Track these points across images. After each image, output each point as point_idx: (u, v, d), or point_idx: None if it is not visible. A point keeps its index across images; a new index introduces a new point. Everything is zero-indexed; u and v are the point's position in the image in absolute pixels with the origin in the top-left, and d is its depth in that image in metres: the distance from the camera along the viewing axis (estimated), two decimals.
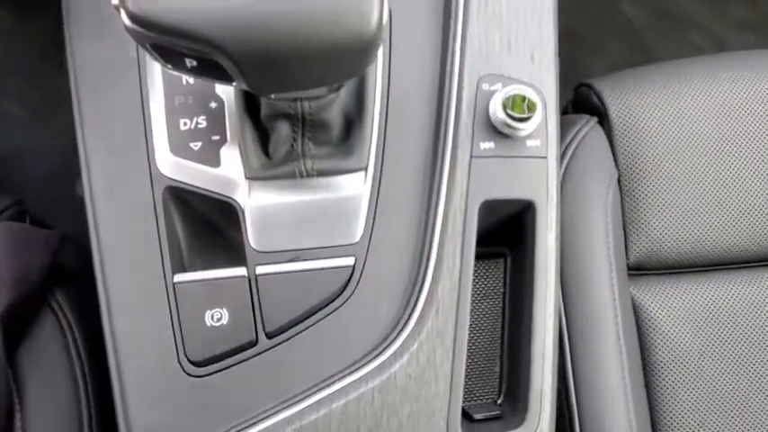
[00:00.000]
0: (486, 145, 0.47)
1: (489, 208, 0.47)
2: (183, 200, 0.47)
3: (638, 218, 0.68)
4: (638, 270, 0.69)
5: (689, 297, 0.68)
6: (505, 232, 0.50)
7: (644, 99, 0.70)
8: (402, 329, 0.45)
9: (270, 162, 0.47)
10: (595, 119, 0.71)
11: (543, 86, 0.49)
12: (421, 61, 0.50)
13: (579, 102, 0.76)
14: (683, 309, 0.67)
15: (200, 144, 0.47)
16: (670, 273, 0.69)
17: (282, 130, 0.46)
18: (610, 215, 0.65)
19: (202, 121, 0.47)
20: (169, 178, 0.46)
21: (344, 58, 0.35)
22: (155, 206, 0.46)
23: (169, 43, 0.34)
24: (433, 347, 0.44)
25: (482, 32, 0.49)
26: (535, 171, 0.47)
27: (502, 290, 0.52)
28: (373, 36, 0.34)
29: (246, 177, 0.46)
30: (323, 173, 0.47)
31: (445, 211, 0.46)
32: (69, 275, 0.62)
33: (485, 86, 0.48)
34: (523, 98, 0.46)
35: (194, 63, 0.36)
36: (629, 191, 0.68)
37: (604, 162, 0.69)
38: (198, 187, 0.46)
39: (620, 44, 1.34)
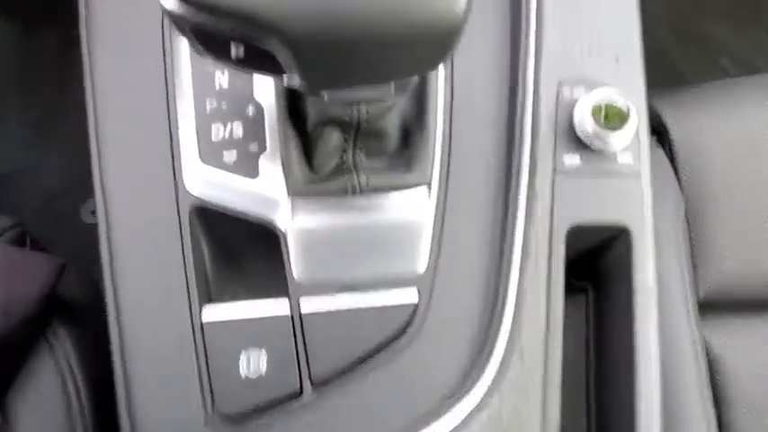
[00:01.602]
0: (572, 160, 0.40)
1: (574, 234, 0.40)
2: (213, 220, 0.40)
3: (708, 249, 0.62)
4: (709, 308, 0.62)
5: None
6: (588, 262, 0.43)
7: (708, 119, 0.65)
8: (477, 380, 0.37)
9: (316, 176, 0.40)
10: (654, 138, 0.65)
11: (631, 93, 0.42)
12: (488, 63, 0.44)
13: None
14: (763, 355, 0.59)
15: (234, 154, 0.40)
16: (743, 311, 0.62)
17: (332, 139, 0.39)
18: (682, 245, 0.58)
19: (238, 129, 0.40)
20: (197, 197, 0.39)
21: (424, 46, 0.30)
22: (180, 228, 0.39)
23: (215, 27, 0.28)
24: (517, 404, 0.37)
25: (559, 33, 0.43)
26: (629, 191, 0.41)
27: (584, 330, 0.45)
28: (460, 19, 0.28)
29: (289, 194, 0.40)
30: (379, 189, 0.40)
31: (525, 236, 0.39)
32: (71, 306, 0.55)
33: (566, 92, 0.42)
34: (614, 106, 0.40)
35: (241, 51, 0.30)
36: (696, 219, 0.62)
37: (669, 187, 0.63)
38: (231, 209, 0.39)
39: (648, 68, 1.30)
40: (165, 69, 0.42)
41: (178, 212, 0.39)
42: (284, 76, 0.32)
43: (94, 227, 0.42)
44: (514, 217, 0.39)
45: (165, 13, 0.28)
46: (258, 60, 0.31)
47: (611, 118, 0.40)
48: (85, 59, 0.42)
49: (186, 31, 0.29)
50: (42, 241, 0.66)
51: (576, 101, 0.41)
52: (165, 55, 0.42)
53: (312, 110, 0.39)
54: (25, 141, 1.11)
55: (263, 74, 0.34)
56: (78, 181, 0.57)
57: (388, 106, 0.38)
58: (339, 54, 0.29)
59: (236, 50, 0.30)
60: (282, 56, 0.29)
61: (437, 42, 0.30)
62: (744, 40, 1.32)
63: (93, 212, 0.43)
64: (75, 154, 0.44)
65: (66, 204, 1.01)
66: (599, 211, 0.40)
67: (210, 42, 0.30)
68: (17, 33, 1.15)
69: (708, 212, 0.62)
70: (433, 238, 0.40)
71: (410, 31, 0.28)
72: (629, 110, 0.40)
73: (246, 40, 0.29)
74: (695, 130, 0.64)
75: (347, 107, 0.37)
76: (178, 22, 0.29)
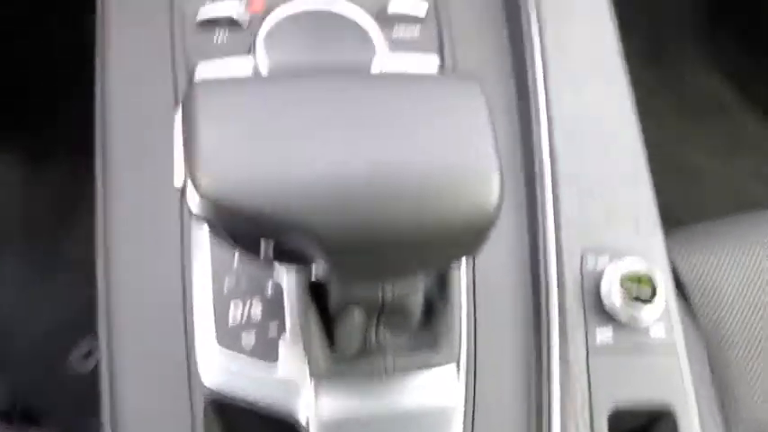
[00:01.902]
0: (603, 336, 0.39)
1: (615, 418, 0.38)
2: (230, 414, 0.37)
3: (736, 399, 0.59)
4: None
5: None
6: None
7: (720, 259, 0.64)
8: None
9: (339, 357, 0.38)
10: None
11: (655, 257, 0.42)
12: (508, 234, 0.43)
13: None
14: None
15: (253, 336, 0.38)
16: None
17: (355, 317, 0.38)
18: (712, 394, 0.55)
19: (257, 309, 0.39)
20: (211, 389, 0.37)
21: (457, 243, 0.30)
22: (192, 425, 0.36)
23: (243, 228, 0.28)
24: None
25: (575, 202, 0.43)
26: (667, 368, 0.39)
27: None
28: (492, 215, 0.29)
29: (312, 378, 0.37)
30: (406, 369, 0.38)
31: (564, 423, 0.36)
32: None
33: (590, 262, 0.41)
34: (642, 277, 0.39)
35: (271, 249, 0.30)
36: (719, 366, 0.60)
37: (689, 333, 0.61)
38: (249, 400, 0.36)
39: None
40: (183, 246, 0.41)
41: (191, 407, 0.36)
42: (312, 266, 0.31)
43: (86, 377, 0.40)
44: (550, 401, 0.37)
45: (196, 215, 0.28)
46: (286, 255, 0.30)
47: (638, 290, 0.39)
48: (99, 231, 0.42)
49: (216, 228, 0.29)
50: (34, 392, 0.62)
51: (601, 271, 0.41)
52: (182, 232, 0.41)
53: (334, 290, 0.38)
54: (20, 286, 1.08)
55: (290, 266, 0.33)
56: (68, 329, 0.55)
57: (414, 289, 0.37)
58: (370, 253, 0.29)
59: (265, 247, 0.30)
60: (311, 251, 0.29)
61: (469, 240, 0.29)
62: (730, 166, 1.35)
63: (85, 356, 0.41)
64: (68, 300, 0.42)
65: (58, 351, 0.97)
66: (639, 392, 0.38)
67: (239, 240, 0.30)
68: (21, 173, 1.15)
69: (730, 359, 0.59)
70: (464, 426, 0.37)
71: (444, 231, 0.28)
72: (657, 281, 0.39)
73: (276, 239, 0.29)
74: (708, 271, 0.63)
75: (372, 288, 0.36)
76: (209, 223, 0.28)
